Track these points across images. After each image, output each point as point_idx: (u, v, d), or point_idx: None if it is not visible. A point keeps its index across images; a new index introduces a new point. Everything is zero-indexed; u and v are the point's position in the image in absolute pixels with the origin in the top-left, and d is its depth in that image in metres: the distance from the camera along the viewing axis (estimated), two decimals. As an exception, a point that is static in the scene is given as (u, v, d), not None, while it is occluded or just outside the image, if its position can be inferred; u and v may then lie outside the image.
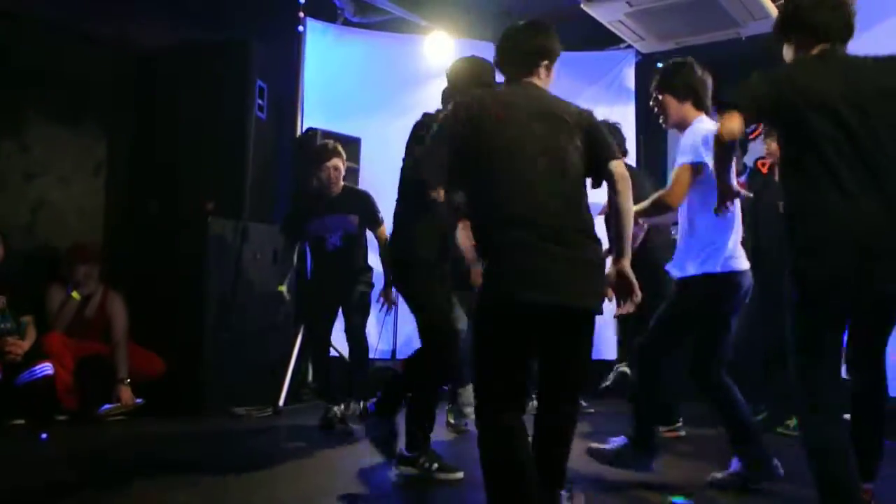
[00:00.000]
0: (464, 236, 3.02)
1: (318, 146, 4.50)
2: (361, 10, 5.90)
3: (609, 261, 2.31)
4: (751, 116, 2.44)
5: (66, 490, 2.91)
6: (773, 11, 5.05)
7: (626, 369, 4.27)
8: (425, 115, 3.22)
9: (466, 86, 3.00)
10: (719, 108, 2.57)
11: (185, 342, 4.62)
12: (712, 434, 3.62)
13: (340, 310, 4.39)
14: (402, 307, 4.05)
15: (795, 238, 2.29)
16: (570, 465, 2.33)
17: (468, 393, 4.07)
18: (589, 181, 2.34)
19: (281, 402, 4.70)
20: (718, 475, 2.95)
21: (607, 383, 4.49)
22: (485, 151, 2.22)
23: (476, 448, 2.16)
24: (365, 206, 4.44)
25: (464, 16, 5.93)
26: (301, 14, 5.66)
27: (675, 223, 3.28)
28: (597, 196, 2.38)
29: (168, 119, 5.10)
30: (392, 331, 5.61)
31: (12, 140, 4.69)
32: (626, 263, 2.27)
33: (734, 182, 2.62)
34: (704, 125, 3.02)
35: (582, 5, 5.01)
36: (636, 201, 2.54)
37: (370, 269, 4.52)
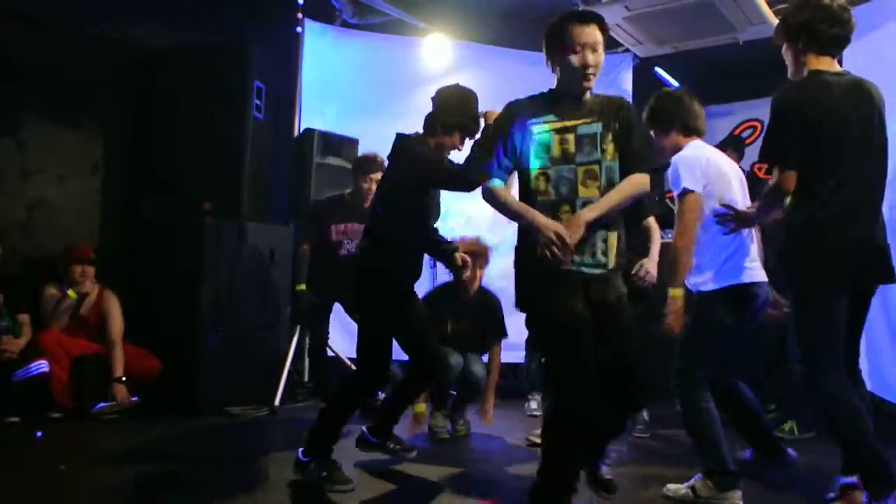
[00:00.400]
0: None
1: (368, 156, 4.57)
2: (360, 12, 5.91)
3: None
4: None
5: (59, 488, 2.91)
6: (771, 17, 5.07)
7: None
8: (401, 137, 3.25)
9: (452, 114, 3.15)
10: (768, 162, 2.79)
11: (181, 341, 4.62)
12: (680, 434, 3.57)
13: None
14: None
15: (817, 242, 2.59)
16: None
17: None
18: None
19: (277, 402, 4.69)
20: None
21: None
22: None
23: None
24: None
25: (462, 18, 5.94)
26: (299, 15, 5.66)
27: None
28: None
29: (166, 119, 5.10)
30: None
31: (9, 138, 4.69)
32: None
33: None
34: (700, 151, 3.12)
35: (580, 9, 5.03)
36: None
37: None
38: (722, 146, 6.34)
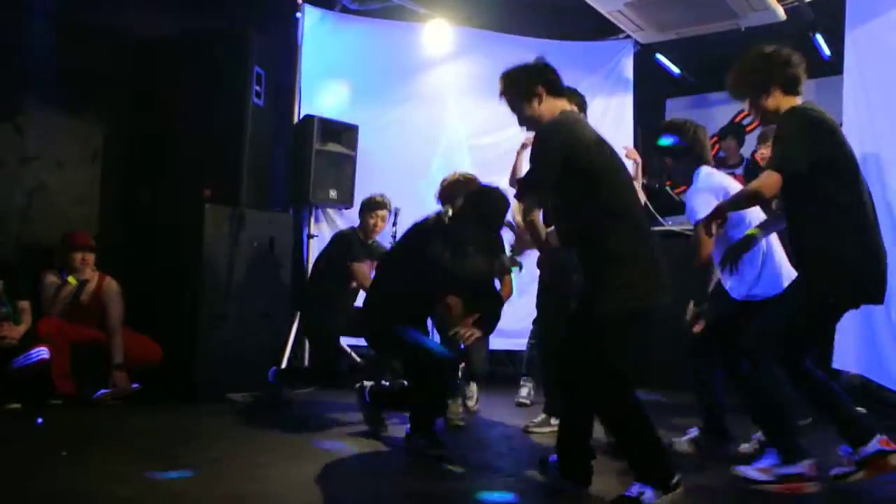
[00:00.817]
0: None
1: (374, 198, 4.80)
2: (360, -3, 5.89)
3: None
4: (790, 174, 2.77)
5: (60, 473, 2.93)
6: (773, 2, 5.05)
7: None
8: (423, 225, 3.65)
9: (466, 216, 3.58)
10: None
11: (181, 328, 4.63)
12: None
13: None
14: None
15: (832, 257, 2.75)
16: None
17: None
18: None
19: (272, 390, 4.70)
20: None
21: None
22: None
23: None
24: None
25: (463, 3, 5.91)
26: (299, 1, 5.64)
27: None
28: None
29: (166, 106, 5.07)
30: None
31: (8, 124, 4.67)
32: None
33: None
34: (711, 178, 3.32)
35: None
36: None
37: None
38: (722, 134, 6.38)
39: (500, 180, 5.94)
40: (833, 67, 5.60)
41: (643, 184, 5.62)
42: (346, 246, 4.65)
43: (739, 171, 5.88)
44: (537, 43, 5.96)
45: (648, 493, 2.47)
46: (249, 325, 4.85)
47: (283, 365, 4.86)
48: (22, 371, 4.08)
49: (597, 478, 2.80)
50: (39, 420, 3.81)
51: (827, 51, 6.02)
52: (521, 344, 5.00)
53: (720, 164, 5.63)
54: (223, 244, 4.75)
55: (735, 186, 3.35)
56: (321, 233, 5.65)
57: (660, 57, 6.62)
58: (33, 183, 4.79)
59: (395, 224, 5.66)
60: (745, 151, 6.21)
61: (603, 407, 2.65)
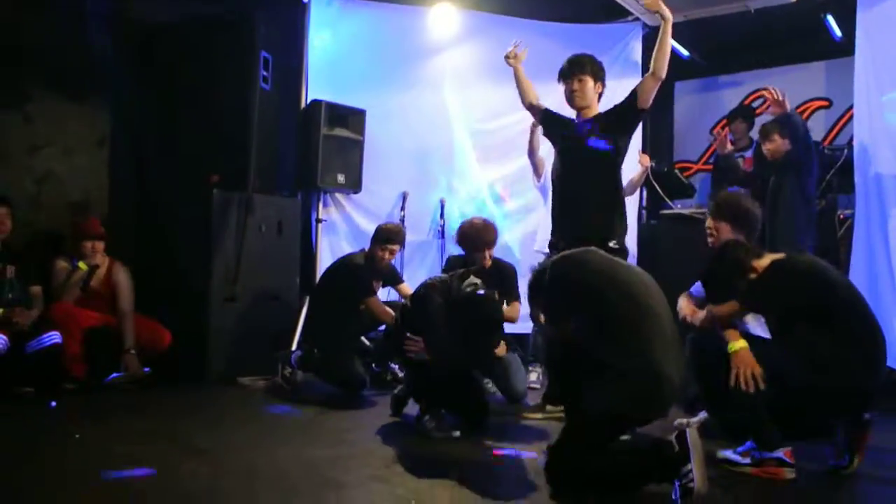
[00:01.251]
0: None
1: (391, 229, 4.74)
2: (366, -19, 5.85)
3: None
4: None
5: (72, 457, 2.96)
6: (783, -16, 5.00)
7: None
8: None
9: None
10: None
11: (190, 313, 4.66)
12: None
13: None
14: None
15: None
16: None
17: None
18: None
19: (286, 372, 4.73)
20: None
21: None
22: None
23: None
24: (393, 275, 4.99)
25: (469, -13, 5.87)
26: (306, -15, 5.61)
27: None
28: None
29: (173, 91, 5.07)
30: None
31: (17, 112, 4.68)
32: None
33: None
34: None
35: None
36: None
37: None
38: (732, 116, 6.33)
39: (504, 163, 5.99)
40: (844, 49, 5.54)
41: (651, 167, 5.62)
42: (356, 280, 4.59)
43: (749, 153, 5.84)
44: (546, 26, 5.92)
45: None
46: (259, 309, 4.88)
47: (293, 347, 4.88)
48: (35, 356, 4.12)
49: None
50: (52, 404, 3.85)
51: (838, 32, 5.95)
52: (528, 327, 5.01)
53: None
54: (231, 229, 4.76)
55: None
56: (329, 217, 5.66)
57: (669, 39, 6.57)
58: (42, 170, 4.81)
59: (403, 209, 5.70)
60: (755, 134, 6.16)
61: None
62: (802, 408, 2.87)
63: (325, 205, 5.65)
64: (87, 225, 4.61)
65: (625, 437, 2.97)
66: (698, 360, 3.05)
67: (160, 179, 5.04)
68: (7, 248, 4.33)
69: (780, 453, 2.82)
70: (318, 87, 5.58)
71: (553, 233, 3.99)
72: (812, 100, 6.64)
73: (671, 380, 2.56)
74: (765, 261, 3.04)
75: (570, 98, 3.90)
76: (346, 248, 5.44)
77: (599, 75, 3.92)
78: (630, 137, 3.92)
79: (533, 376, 4.83)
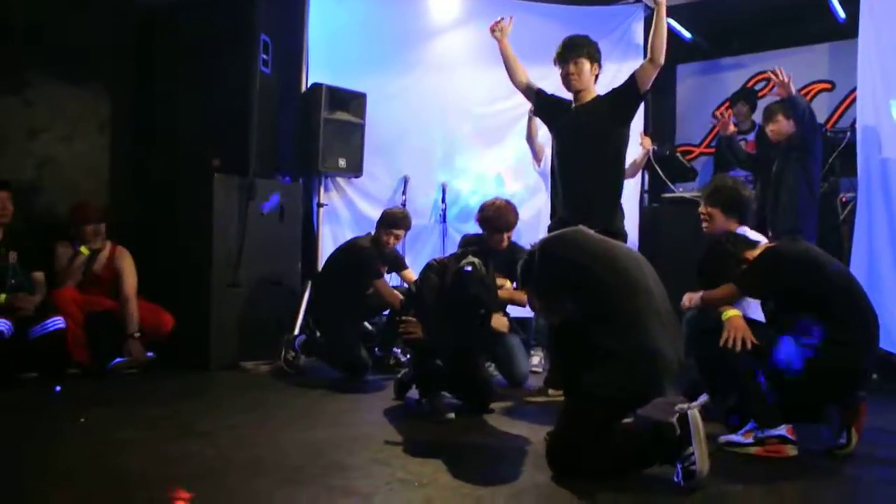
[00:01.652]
0: None
1: (397, 214, 4.78)
2: (367, -36, 5.80)
3: None
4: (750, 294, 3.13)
5: (77, 442, 2.98)
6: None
7: None
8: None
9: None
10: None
11: (192, 297, 4.67)
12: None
13: None
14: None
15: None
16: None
17: None
18: None
19: (289, 356, 4.75)
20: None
21: None
22: None
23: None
24: (397, 261, 5.04)
25: (470, -31, 5.82)
26: (306, -33, 5.56)
27: None
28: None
29: (173, 75, 5.06)
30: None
31: (16, 97, 4.67)
32: None
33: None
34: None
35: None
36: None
37: None
38: (734, 99, 6.30)
39: (505, 146, 5.97)
40: (848, 31, 5.50)
41: (653, 150, 5.60)
42: (365, 262, 4.59)
43: (751, 136, 5.82)
44: (547, 8, 5.89)
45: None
46: (261, 293, 4.89)
47: (296, 332, 4.90)
48: (39, 341, 4.14)
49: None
50: (57, 389, 3.87)
51: (842, 13, 5.91)
52: (531, 311, 5.02)
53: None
54: (233, 213, 4.76)
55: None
56: (331, 201, 5.65)
57: (670, 21, 6.51)
58: (43, 155, 4.80)
59: (404, 193, 5.68)
60: (758, 117, 6.13)
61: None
62: (797, 388, 2.90)
63: (326, 189, 5.64)
64: (87, 209, 4.60)
65: (626, 420, 2.98)
66: (696, 337, 3.07)
67: (161, 164, 5.03)
68: (8, 233, 4.34)
69: (783, 430, 2.83)
70: (318, 70, 5.55)
71: (552, 216, 3.99)
72: (815, 82, 6.60)
73: (666, 356, 2.55)
74: (757, 251, 3.08)
75: (567, 81, 3.86)
76: (348, 233, 5.44)
77: (596, 57, 3.86)
78: (630, 122, 3.89)
79: (535, 360, 4.84)
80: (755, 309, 3.23)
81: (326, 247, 5.37)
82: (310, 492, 2.43)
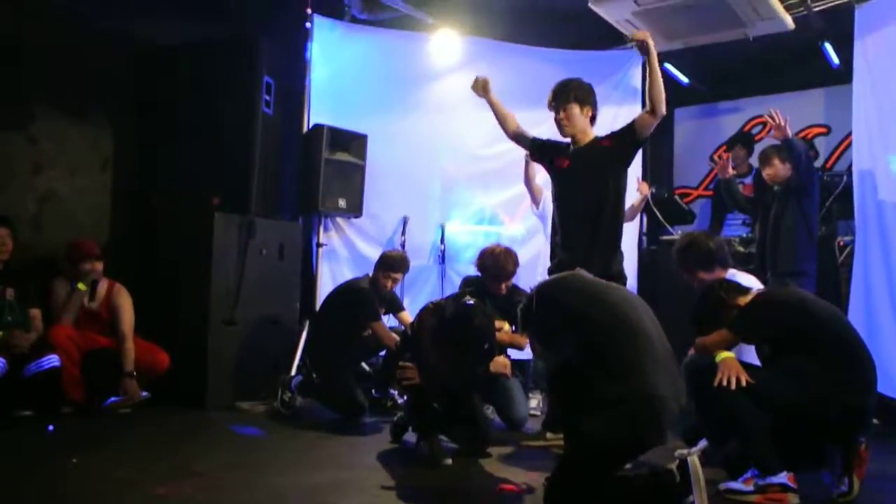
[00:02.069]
0: None
1: (395, 256, 4.83)
2: (369, 7, 5.90)
3: None
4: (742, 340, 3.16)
5: (71, 481, 2.94)
6: (781, 11, 5.05)
7: None
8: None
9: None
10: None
11: (190, 336, 4.65)
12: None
13: None
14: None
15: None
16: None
17: None
18: None
19: (285, 397, 4.71)
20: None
21: None
22: None
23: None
24: (394, 302, 5.07)
25: (471, 13, 5.92)
26: (308, 10, 5.66)
27: None
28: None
29: (176, 114, 5.11)
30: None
31: (20, 132, 4.70)
32: None
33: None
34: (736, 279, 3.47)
35: (590, 4, 5.00)
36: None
37: None
38: (731, 143, 6.36)
39: (505, 188, 6.00)
40: (842, 76, 5.59)
41: (651, 193, 5.63)
42: (363, 303, 4.58)
43: (748, 180, 5.86)
44: (545, 52, 5.97)
45: None
46: (258, 332, 4.87)
47: (293, 372, 4.87)
48: (34, 379, 4.10)
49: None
50: (50, 427, 3.83)
51: (836, 59, 6.00)
52: (529, 354, 4.99)
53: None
54: (233, 252, 4.77)
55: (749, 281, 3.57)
56: (330, 241, 5.67)
57: (668, 66, 6.62)
58: (45, 190, 4.83)
59: (403, 233, 5.70)
60: (755, 160, 6.18)
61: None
62: (795, 432, 2.88)
63: (325, 229, 5.66)
64: (85, 246, 4.60)
65: (626, 467, 2.94)
66: (693, 380, 3.05)
67: (162, 201, 5.05)
68: (7, 269, 4.33)
69: (784, 477, 2.80)
70: (320, 111, 5.61)
71: (551, 258, 3.99)
72: (811, 126, 6.68)
73: (665, 401, 2.52)
74: (749, 297, 3.11)
75: (560, 128, 3.89)
76: (347, 273, 5.44)
77: (586, 99, 3.83)
78: (628, 166, 3.90)
79: (533, 403, 4.80)
80: (751, 354, 3.23)
81: (325, 286, 5.36)
82: (304, 536, 2.39)
